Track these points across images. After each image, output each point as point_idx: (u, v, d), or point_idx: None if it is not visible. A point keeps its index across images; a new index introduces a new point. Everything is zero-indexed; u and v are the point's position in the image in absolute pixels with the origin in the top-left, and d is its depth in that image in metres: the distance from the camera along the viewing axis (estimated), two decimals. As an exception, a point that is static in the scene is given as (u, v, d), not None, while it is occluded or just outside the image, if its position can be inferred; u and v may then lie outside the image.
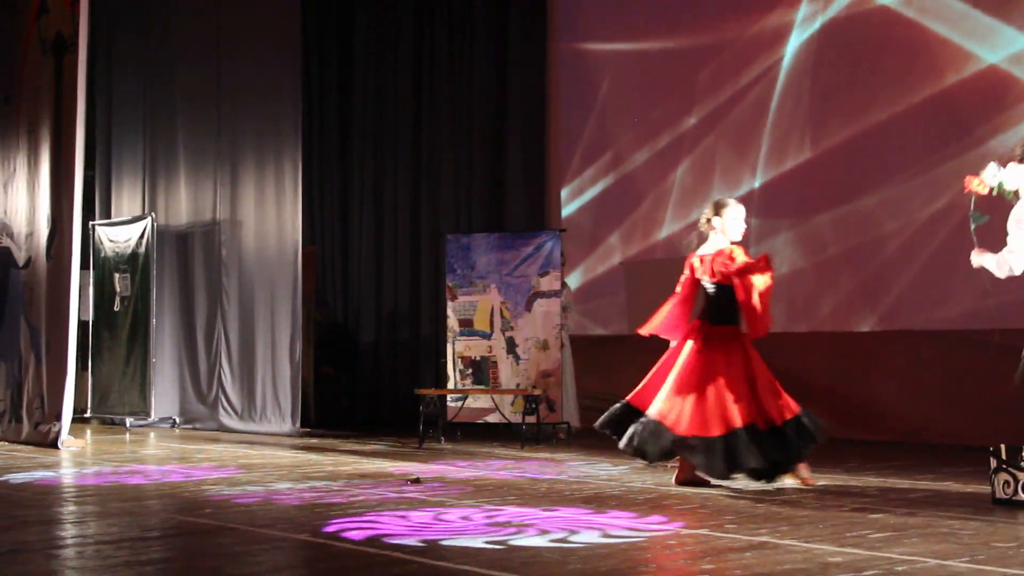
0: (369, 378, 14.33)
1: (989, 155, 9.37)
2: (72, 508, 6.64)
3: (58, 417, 10.69)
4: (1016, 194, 6.32)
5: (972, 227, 6.45)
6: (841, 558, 4.63)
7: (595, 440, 10.62)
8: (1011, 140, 9.47)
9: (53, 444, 10.53)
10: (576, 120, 12.97)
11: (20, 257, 11.71)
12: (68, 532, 5.71)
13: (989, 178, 6.34)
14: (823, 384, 11.06)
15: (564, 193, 13.02)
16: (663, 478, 7.44)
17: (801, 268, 11.22)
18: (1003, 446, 6.26)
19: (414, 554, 4.81)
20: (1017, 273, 6.37)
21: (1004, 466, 6.22)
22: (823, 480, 7.26)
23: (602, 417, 7.35)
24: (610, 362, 12.42)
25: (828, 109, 11.06)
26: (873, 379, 10.75)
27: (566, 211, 12.96)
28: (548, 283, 11.05)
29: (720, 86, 11.80)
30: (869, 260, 10.84)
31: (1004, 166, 6.41)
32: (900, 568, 4.41)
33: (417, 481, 7.44)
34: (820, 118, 11.10)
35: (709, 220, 7.37)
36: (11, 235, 11.89)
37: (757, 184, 11.46)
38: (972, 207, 6.47)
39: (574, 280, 12.35)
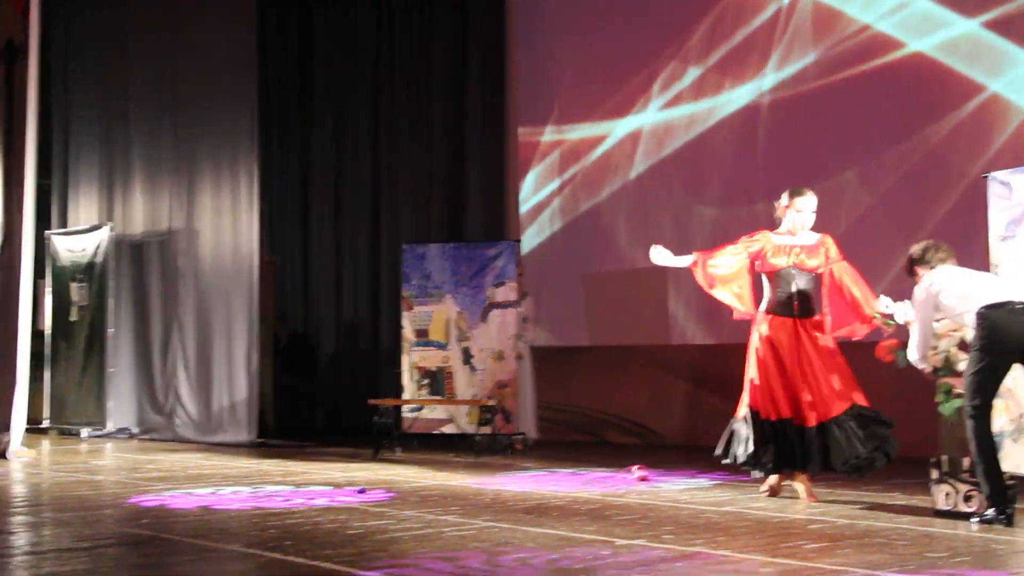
0: (328, 388, 14.27)
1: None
2: (8, 519, 6.55)
3: (7, 427, 10.56)
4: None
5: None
6: (772, 568, 4.60)
7: (552, 451, 10.62)
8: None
9: (2, 455, 10.41)
10: (536, 130, 12.94)
11: (-28, 266, 11.58)
12: (-2, 543, 5.63)
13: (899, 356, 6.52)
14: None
15: (523, 203, 12.99)
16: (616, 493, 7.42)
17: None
18: (944, 457, 6.27)
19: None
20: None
21: (945, 478, 6.22)
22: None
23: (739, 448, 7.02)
24: (570, 373, 12.42)
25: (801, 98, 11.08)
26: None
27: (525, 221, 12.93)
28: (504, 293, 11.02)
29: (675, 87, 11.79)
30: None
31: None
32: (828, 579, 4.39)
33: (363, 491, 7.39)
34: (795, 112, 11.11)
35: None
36: (-36, 243, 11.75)
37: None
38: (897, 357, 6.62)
39: (533, 290, 12.31)
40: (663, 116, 11.91)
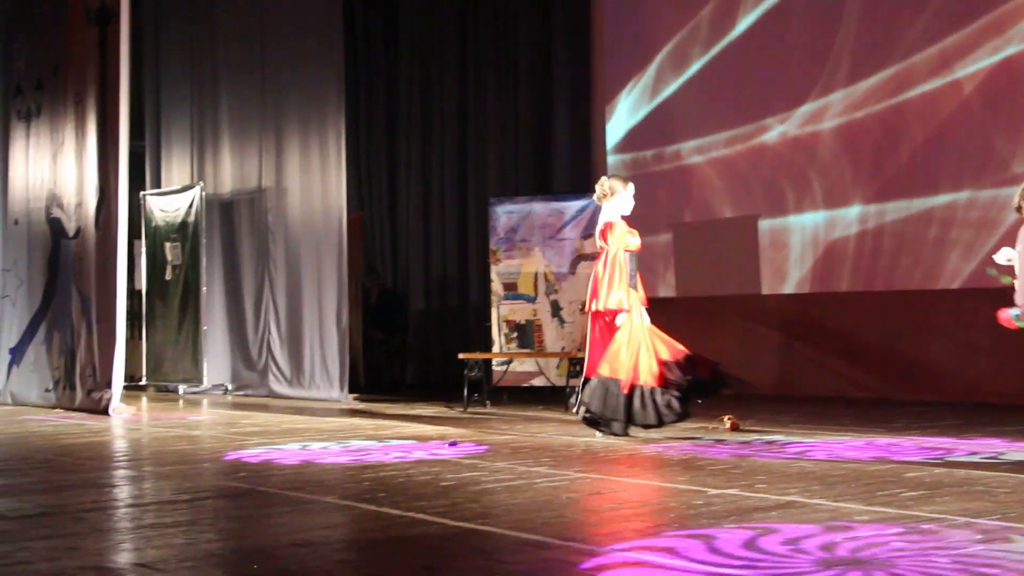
0: (418, 343, 14.37)
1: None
2: (110, 473, 6.71)
3: (109, 384, 10.82)
4: None
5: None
6: (868, 516, 4.55)
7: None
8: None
9: (105, 411, 10.67)
10: (624, 80, 12.82)
11: (70, 227, 11.83)
12: (101, 496, 5.76)
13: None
14: (871, 343, 10.94)
15: (610, 154, 12.91)
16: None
17: (848, 225, 11.06)
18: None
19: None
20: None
21: (1046, 424, 6.10)
22: (864, 440, 7.17)
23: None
24: (658, 324, 12.32)
25: (897, 44, 10.85)
26: (922, 338, 10.58)
27: (612, 172, 12.85)
28: (592, 245, 10.95)
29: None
30: (919, 216, 10.65)
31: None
32: (925, 526, 4.32)
33: (455, 444, 7.44)
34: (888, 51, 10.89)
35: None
36: (61, 205, 12.01)
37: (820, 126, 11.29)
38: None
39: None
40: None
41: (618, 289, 7.72)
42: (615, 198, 8.02)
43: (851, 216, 11.07)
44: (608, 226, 7.92)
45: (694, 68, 12.18)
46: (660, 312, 12.34)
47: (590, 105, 13.07)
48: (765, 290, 11.70)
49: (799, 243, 11.44)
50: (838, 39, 11.16)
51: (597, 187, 8.12)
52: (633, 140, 12.76)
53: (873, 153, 10.93)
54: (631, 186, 8.10)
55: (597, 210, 10.95)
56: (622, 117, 12.82)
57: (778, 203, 11.61)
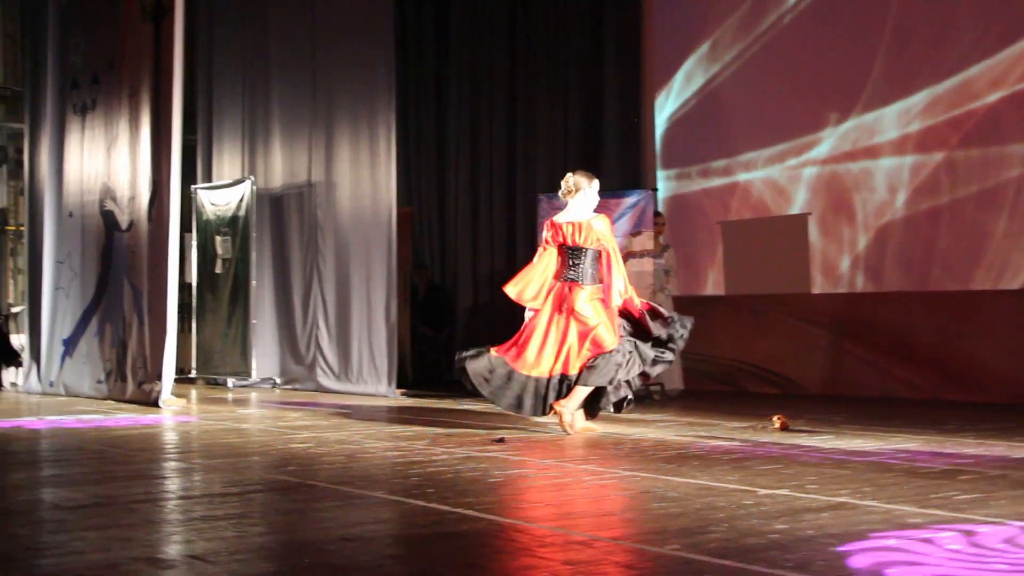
0: (466, 338, 14.37)
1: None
2: (160, 464, 6.76)
3: (160, 376, 10.91)
4: None
5: None
6: (921, 519, 4.50)
7: (691, 401, 10.56)
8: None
9: (155, 403, 10.77)
10: (672, 73, 12.78)
11: (123, 220, 11.95)
12: (152, 487, 5.81)
13: None
14: (924, 343, 10.83)
15: (660, 151, 12.87)
16: (755, 438, 7.34)
17: (900, 222, 10.96)
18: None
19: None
20: None
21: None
22: (916, 441, 7.09)
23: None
24: (707, 323, 12.29)
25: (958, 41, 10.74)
26: (976, 339, 10.47)
27: (662, 168, 12.81)
28: (641, 243, 10.93)
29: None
30: (975, 215, 10.54)
31: None
32: (981, 530, 4.27)
33: (501, 441, 7.44)
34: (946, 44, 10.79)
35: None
36: (115, 199, 12.12)
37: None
38: None
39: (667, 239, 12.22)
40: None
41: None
42: (580, 194, 8.07)
43: (904, 214, 10.96)
44: (587, 225, 7.98)
45: (743, 58, 12.12)
46: (708, 311, 12.36)
47: (639, 100, 13.04)
48: (815, 289, 11.62)
49: (851, 241, 11.35)
50: (896, 38, 11.06)
51: (563, 183, 8.17)
52: (681, 136, 12.71)
53: (929, 152, 10.81)
54: (596, 182, 8.18)
55: (647, 206, 10.96)
56: (670, 112, 12.77)
57: (829, 200, 11.52)
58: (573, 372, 7.88)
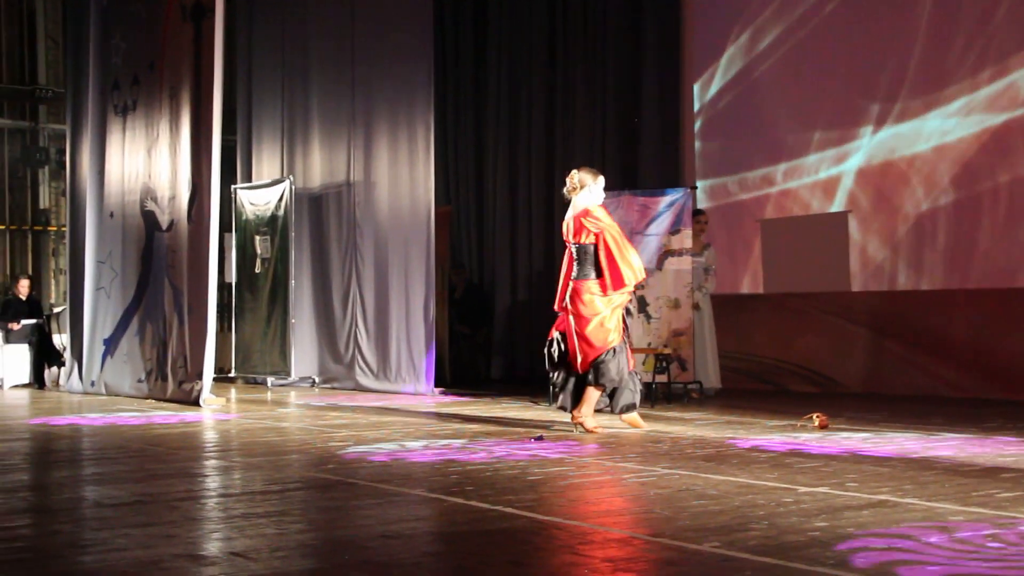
0: (504, 338, 14.40)
1: None
2: (201, 463, 6.81)
3: (200, 376, 10.99)
4: None
5: None
6: (963, 517, 4.47)
7: (730, 400, 10.52)
8: None
9: (195, 402, 10.85)
10: (712, 64, 12.74)
11: (163, 220, 12.04)
12: (193, 485, 5.86)
13: None
14: (965, 341, 10.75)
15: (698, 149, 12.83)
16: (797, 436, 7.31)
17: (941, 218, 10.88)
18: None
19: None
20: None
21: None
22: (957, 439, 7.05)
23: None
24: (745, 321, 12.27)
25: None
26: (1018, 337, 10.37)
27: (701, 166, 12.77)
28: (679, 241, 10.89)
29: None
30: (1017, 212, 10.44)
31: None
32: None
33: (540, 439, 7.44)
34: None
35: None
36: (155, 199, 12.22)
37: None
38: None
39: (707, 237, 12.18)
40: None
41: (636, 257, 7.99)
42: (585, 191, 8.04)
43: (945, 211, 10.88)
44: (585, 212, 7.94)
45: (781, 51, 12.07)
46: (747, 308, 12.32)
47: (679, 101, 13.00)
48: (855, 287, 11.55)
49: (891, 238, 11.27)
50: (935, 31, 10.98)
51: (568, 180, 8.13)
52: (720, 134, 12.67)
53: (971, 148, 10.72)
54: (601, 179, 8.16)
55: (685, 203, 10.93)
56: (709, 111, 12.73)
57: (870, 197, 11.45)
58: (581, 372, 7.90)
